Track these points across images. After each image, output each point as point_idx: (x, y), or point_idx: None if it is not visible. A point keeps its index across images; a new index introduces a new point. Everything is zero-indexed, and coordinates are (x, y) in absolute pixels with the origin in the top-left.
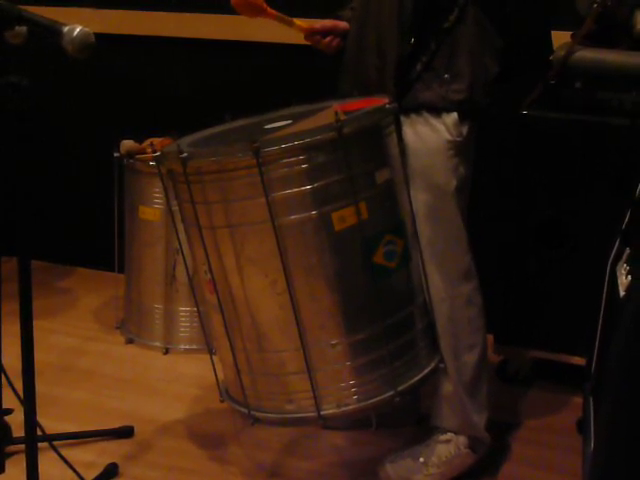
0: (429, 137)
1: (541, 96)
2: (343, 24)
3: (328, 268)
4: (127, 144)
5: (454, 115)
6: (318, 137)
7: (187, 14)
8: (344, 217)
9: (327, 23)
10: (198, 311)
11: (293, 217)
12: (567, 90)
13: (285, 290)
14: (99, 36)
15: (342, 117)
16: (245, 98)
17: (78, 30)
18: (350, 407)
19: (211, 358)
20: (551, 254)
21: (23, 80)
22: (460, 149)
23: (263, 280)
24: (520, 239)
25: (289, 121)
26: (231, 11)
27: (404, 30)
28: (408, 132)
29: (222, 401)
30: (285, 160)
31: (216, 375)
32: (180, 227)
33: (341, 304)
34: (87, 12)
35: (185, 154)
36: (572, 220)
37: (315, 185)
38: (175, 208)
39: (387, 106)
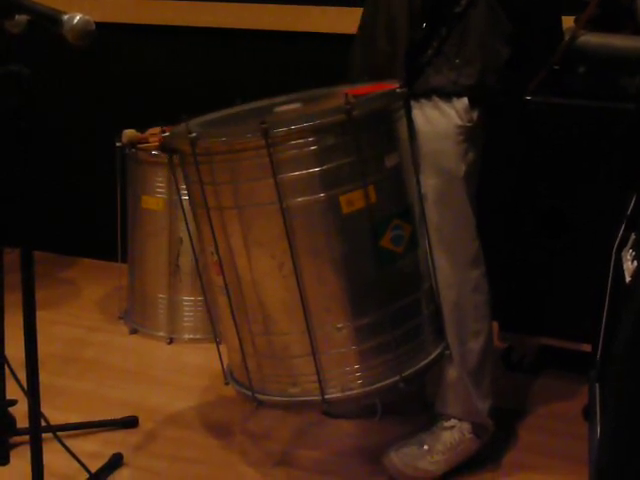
0: (439, 122)
1: (545, 81)
2: None
3: (335, 251)
4: (129, 133)
5: (464, 100)
6: (328, 119)
7: (188, 2)
8: (352, 200)
9: None
10: (204, 293)
11: (301, 199)
12: (571, 75)
13: (291, 272)
14: (99, 25)
15: (352, 100)
16: (249, 86)
17: (78, 18)
18: (354, 392)
19: (216, 341)
20: (556, 241)
21: (24, 69)
22: (470, 134)
23: (270, 262)
24: (525, 226)
25: (299, 104)
26: None
27: (415, 15)
28: (418, 117)
29: (227, 383)
30: (294, 142)
31: (221, 358)
32: (187, 211)
33: (347, 288)
34: (87, 1)
35: (194, 134)
36: (577, 206)
37: (324, 167)
38: (183, 192)
39: (397, 90)
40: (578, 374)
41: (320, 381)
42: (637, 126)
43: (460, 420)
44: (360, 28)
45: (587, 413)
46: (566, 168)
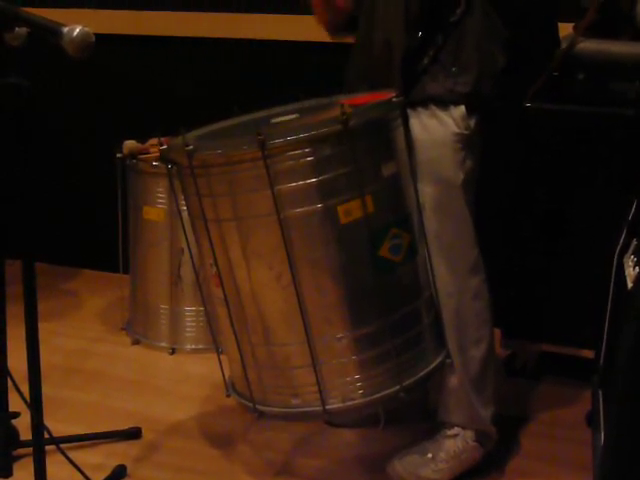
0: (436, 130)
1: (544, 88)
2: None
3: (333, 261)
4: (129, 144)
5: (462, 108)
6: (324, 130)
7: (187, 13)
8: (350, 210)
9: None
10: (204, 305)
11: (299, 210)
12: (570, 81)
13: (290, 283)
14: (99, 36)
15: (348, 110)
16: (248, 96)
17: (78, 30)
18: (355, 402)
19: (217, 352)
20: (555, 246)
21: (23, 81)
22: (467, 142)
23: (268, 273)
24: (524, 231)
25: (296, 115)
26: (231, 9)
27: (411, 24)
28: (415, 125)
29: (228, 395)
30: (291, 153)
31: (222, 369)
32: (187, 223)
33: (346, 298)
34: (87, 13)
35: (191, 147)
36: (576, 212)
37: (321, 178)
38: (182, 203)
39: (394, 100)
40: (581, 380)
41: (321, 392)
42: (636, 131)
43: (463, 428)
44: (357, 37)
45: (590, 419)
46: (565, 174)
